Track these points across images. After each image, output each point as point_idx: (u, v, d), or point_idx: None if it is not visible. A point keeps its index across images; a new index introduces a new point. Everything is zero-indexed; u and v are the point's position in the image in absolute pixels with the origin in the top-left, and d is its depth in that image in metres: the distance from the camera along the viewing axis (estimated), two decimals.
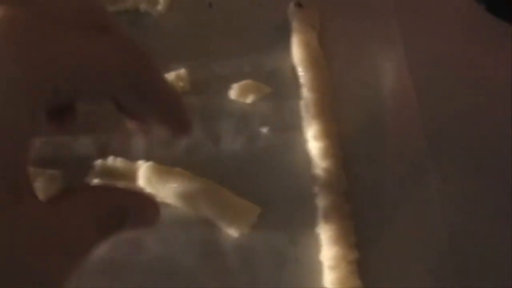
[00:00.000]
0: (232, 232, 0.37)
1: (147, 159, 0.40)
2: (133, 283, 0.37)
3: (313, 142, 0.40)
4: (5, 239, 0.21)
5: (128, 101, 0.28)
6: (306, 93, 0.42)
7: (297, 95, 0.43)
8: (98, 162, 0.39)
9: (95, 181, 0.39)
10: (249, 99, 0.43)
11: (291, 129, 0.42)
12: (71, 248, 0.23)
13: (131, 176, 0.38)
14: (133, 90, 0.27)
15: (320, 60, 0.43)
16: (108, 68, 0.26)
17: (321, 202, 0.39)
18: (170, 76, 0.43)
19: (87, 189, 0.30)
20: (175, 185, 0.37)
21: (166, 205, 0.38)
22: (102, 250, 0.36)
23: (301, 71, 0.43)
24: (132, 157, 0.40)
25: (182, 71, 0.43)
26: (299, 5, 0.45)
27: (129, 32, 0.46)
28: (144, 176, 0.38)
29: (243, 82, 0.43)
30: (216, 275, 0.37)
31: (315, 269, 0.38)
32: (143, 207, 0.28)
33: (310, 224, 0.39)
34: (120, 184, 0.38)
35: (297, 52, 0.44)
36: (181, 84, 0.43)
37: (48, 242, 0.22)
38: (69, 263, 0.23)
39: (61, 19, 0.25)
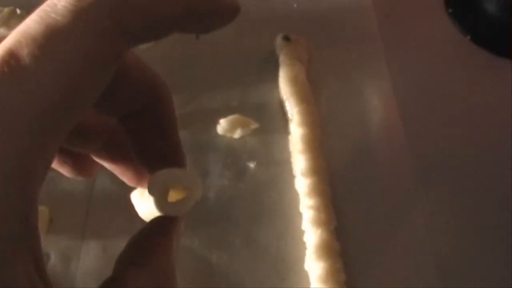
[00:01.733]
0: None
1: None
2: None
3: (301, 179, 0.41)
4: None
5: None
6: (294, 128, 0.43)
7: (285, 130, 0.44)
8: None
9: None
10: (237, 134, 0.43)
11: (279, 164, 0.43)
12: None
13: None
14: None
15: (308, 95, 0.44)
16: None
17: (310, 239, 0.39)
18: None
19: None
20: None
21: None
22: None
23: (289, 106, 0.44)
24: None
25: None
26: (287, 38, 0.46)
27: None
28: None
29: (231, 117, 0.43)
30: None
31: None
32: None
33: (298, 261, 0.39)
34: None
35: (285, 86, 0.44)
36: None
37: None
38: None
39: None
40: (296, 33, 0.47)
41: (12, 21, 0.49)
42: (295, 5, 0.50)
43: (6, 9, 0.50)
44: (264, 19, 0.49)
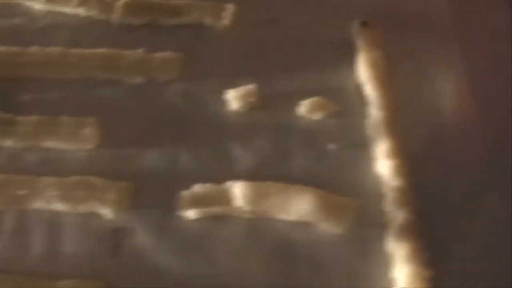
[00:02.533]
0: (336, 230, 0.39)
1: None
2: None
3: (384, 161, 0.42)
4: None
5: None
6: (374, 111, 0.44)
7: (361, 113, 0.45)
8: (185, 193, 0.41)
9: (189, 212, 0.40)
10: (317, 116, 0.44)
11: (358, 146, 0.44)
12: None
13: (225, 199, 0.40)
14: None
15: (388, 79, 0.45)
16: None
17: (394, 220, 0.40)
18: (240, 91, 0.44)
19: None
20: (275, 197, 0.39)
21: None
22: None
23: (368, 90, 0.45)
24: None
25: (253, 87, 0.44)
26: (364, 24, 0.47)
27: (191, 46, 0.49)
28: (242, 195, 0.39)
29: (312, 99, 0.44)
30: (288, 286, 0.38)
31: (385, 286, 0.39)
32: None
33: (379, 242, 0.40)
34: (215, 209, 0.40)
35: (364, 71, 0.45)
36: (251, 100, 0.44)
37: None
38: None
39: None
40: (370, 19, 0.48)
41: (91, 1, 0.50)
42: None
43: None
44: (337, 6, 0.50)
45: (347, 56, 0.47)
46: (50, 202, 0.41)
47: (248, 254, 0.39)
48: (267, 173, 0.42)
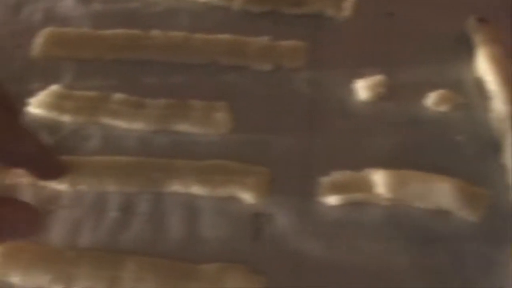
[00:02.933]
0: (472, 219, 0.40)
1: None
2: None
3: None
4: None
5: None
6: (499, 105, 0.45)
7: (484, 107, 0.46)
8: (325, 179, 0.42)
9: (330, 198, 0.41)
10: (444, 108, 0.45)
11: (483, 139, 0.45)
12: None
13: (365, 185, 0.41)
14: None
15: (509, 74, 0.46)
16: None
17: None
18: (369, 81, 0.45)
19: None
20: (415, 185, 0.40)
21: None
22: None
23: (490, 84, 0.46)
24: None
25: (381, 77, 0.45)
26: (481, 20, 0.48)
27: (314, 35, 0.49)
28: (383, 183, 0.40)
29: (439, 91, 0.45)
30: (427, 276, 0.39)
31: None
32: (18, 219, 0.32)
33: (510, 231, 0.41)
34: (355, 196, 0.41)
35: (485, 66, 0.46)
36: (380, 90, 0.45)
37: None
38: None
39: None
40: (486, 14, 0.49)
41: None
42: None
43: None
44: (450, 2, 0.52)
45: (464, 51, 0.48)
46: (187, 185, 0.41)
47: (388, 239, 0.40)
48: (400, 162, 0.43)
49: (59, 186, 0.42)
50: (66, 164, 0.41)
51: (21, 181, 0.42)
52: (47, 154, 0.40)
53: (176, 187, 0.41)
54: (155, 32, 0.48)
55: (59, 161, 0.41)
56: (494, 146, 0.44)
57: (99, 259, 0.39)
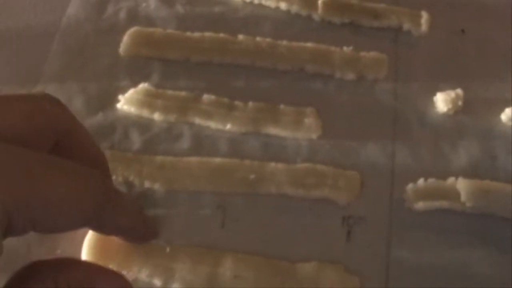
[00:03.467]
0: None
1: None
2: None
3: None
4: None
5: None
6: None
7: None
8: (412, 186, 0.44)
9: (417, 204, 0.43)
10: None
11: None
12: None
13: (449, 193, 0.43)
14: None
15: None
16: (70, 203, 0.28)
17: None
18: (448, 95, 0.47)
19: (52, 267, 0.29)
20: (499, 194, 0.42)
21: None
22: None
23: None
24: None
25: (460, 91, 0.48)
26: None
27: (392, 48, 0.51)
28: (467, 191, 0.42)
29: None
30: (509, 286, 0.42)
31: None
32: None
33: None
34: (441, 203, 0.43)
35: None
36: (459, 103, 0.47)
37: None
38: None
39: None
40: None
41: None
42: None
43: None
44: None
45: None
46: (281, 187, 0.43)
47: (471, 247, 0.42)
48: (478, 173, 0.45)
49: (153, 186, 0.43)
50: (157, 226, 0.41)
51: None
52: (143, 223, 0.39)
53: (270, 188, 0.43)
54: (242, 37, 0.50)
55: (153, 225, 0.41)
56: None
57: (198, 255, 0.40)
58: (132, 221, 0.36)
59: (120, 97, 0.47)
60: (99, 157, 0.35)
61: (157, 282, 0.39)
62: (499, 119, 0.48)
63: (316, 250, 0.41)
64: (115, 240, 0.39)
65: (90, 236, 0.39)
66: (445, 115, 0.48)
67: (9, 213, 0.24)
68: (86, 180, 0.29)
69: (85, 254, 0.39)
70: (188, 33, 0.50)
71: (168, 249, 0.40)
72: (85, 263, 0.35)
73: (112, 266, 0.38)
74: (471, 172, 0.45)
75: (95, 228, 0.35)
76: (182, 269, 0.39)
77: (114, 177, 0.42)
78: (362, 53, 0.50)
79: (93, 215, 0.30)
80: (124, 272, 0.38)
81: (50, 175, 0.26)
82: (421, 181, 0.44)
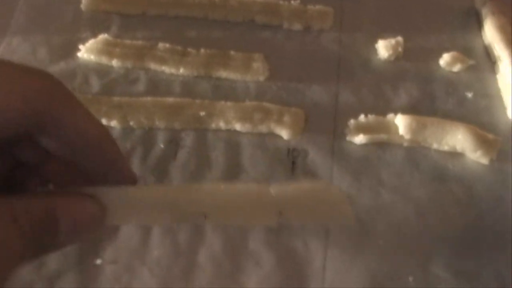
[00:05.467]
0: (483, 161, 0.47)
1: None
2: None
3: None
4: None
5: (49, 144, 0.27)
6: (505, 67, 0.52)
7: (491, 69, 0.53)
8: (353, 121, 0.48)
9: (357, 138, 0.47)
10: (456, 68, 0.52)
11: (491, 96, 0.52)
12: None
13: (388, 128, 0.47)
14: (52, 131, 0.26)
15: None
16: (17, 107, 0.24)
17: None
18: (389, 42, 0.52)
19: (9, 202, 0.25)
20: (433, 129, 0.46)
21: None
22: None
23: (498, 49, 0.53)
24: None
25: (400, 39, 0.52)
26: None
27: (339, 2, 0.56)
28: (404, 125, 0.47)
29: (452, 53, 0.53)
30: (444, 208, 0.45)
31: None
32: (78, 212, 0.26)
33: None
34: (380, 137, 0.47)
35: (493, 33, 0.54)
36: (399, 49, 0.52)
37: None
38: None
39: None
40: None
41: None
42: None
43: None
44: None
45: (473, 22, 0.56)
46: (229, 123, 0.47)
47: (408, 175, 0.46)
48: (418, 111, 0.49)
49: (110, 123, 0.47)
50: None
51: None
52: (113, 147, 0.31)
53: (219, 124, 0.47)
54: None
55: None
56: (500, 103, 0.52)
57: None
58: (99, 133, 0.29)
59: (81, 46, 0.51)
60: (102, 139, 0.29)
61: None
62: (438, 65, 0.53)
63: (262, 180, 0.45)
64: None
65: None
66: (387, 61, 0.53)
67: None
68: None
69: None
70: None
71: None
72: (43, 193, 0.30)
73: None
74: (410, 110, 0.49)
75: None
76: None
77: None
78: (309, 6, 0.55)
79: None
80: None
81: None
82: (362, 117, 0.49)
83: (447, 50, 0.54)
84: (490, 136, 0.48)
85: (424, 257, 0.42)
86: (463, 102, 0.51)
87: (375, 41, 0.53)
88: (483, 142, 0.47)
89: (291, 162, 0.46)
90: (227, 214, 0.30)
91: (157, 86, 0.50)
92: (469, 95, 0.52)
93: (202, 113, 0.47)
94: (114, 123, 0.47)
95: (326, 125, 0.49)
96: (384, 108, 0.50)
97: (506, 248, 0.43)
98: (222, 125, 0.47)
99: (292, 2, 0.55)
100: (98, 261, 0.40)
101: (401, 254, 0.42)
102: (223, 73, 0.50)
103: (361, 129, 0.48)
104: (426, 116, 0.49)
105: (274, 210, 0.30)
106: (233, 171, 0.45)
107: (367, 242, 0.43)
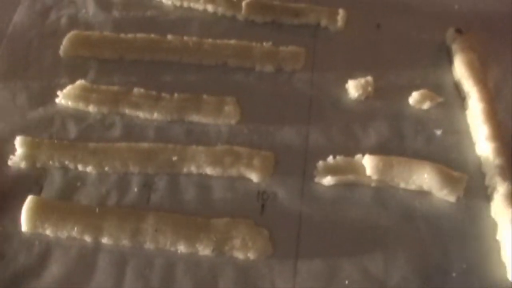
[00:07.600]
0: (450, 199, 0.49)
1: None
2: None
3: (486, 143, 0.52)
4: None
5: None
6: (473, 103, 0.55)
7: (461, 105, 0.56)
8: (321, 163, 0.51)
9: (325, 179, 0.50)
10: (425, 106, 0.55)
11: (460, 132, 0.54)
12: None
13: (356, 169, 0.50)
14: None
15: (482, 77, 0.56)
16: None
17: (497, 192, 0.50)
18: (359, 81, 0.55)
19: None
20: (400, 168, 0.49)
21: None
22: None
23: (466, 86, 0.56)
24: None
25: (370, 78, 0.55)
26: (459, 31, 0.59)
27: (311, 43, 0.59)
28: (371, 166, 0.49)
29: (421, 91, 0.55)
30: (411, 245, 0.48)
31: (493, 246, 0.48)
32: None
33: (485, 210, 0.50)
34: (348, 178, 0.50)
35: (461, 69, 0.57)
36: (368, 89, 0.55)
37: None
38: None
39: None
40: (463, 25, 0.60)
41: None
42: (456, 6, 0.64)
43: None
44: (432, 13, 0.63)
45: (443, 58, 0.59)
46: (200, 167, 0.50)
47: (376, 215, 0.49)
48: (386, 150, 0.52)
49: (86, 169, 0.50)
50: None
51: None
52: None
53: (190, 168, 0.50)
54: (171, 37, 0.58)
55: None
56: (469, 139, 0.54)
57: (124, 214, 0.48)
58: None
59: (59, 93, 0.55)
60: None
61: (87, 238, 0.46)
62: (407, 103, 0.56)
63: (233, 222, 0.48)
64: (51, 203, 0.48)
65: (28, 200, 0.47)
66: (357, 100, 0.56)
67: None
68: None
69: (24, 217, 0.47)
70: (122, 35, 0.59)
71: (98, 210, 0.48)
72: None
73: (47, 225, 0.46)
74: (379, 150, 0.52)
75: None
76: (110, 226, 0.47)
77: (51, 163, 0.50)
78: (281, 48, 0.58)
79: None
80: (57, 230, 0.46)
81: None
82: (330, 158, 0.51)
83: (417, 87, 0.56)
84: (456, 174, 0.51)
85: None
86: (432, 139, 0.54)
87: (346, 81, 0.56)
88: (449, 180, 0.50)
89: (261, 205, 0.49)
90: None
91: (132, 131, 0.53)
92: (438, 132, 0.54)
93: (175, 158, 0.51)
94: (89, 169, 0.50)
95: (296, 167, 0.52)
96: (353, 148, 0.53)
97: (473, 284, 0.46)
98: (193, 169, 0.50)
99: (264, 44, 0.58)
100: None
101: None
102: (196, 117, 0.54)
103: (330, 170, 0.51)
104: (395, 155, 0.52)
105: None
106: (203, 214, 0.48)
107: (334, 282, 0.46)
